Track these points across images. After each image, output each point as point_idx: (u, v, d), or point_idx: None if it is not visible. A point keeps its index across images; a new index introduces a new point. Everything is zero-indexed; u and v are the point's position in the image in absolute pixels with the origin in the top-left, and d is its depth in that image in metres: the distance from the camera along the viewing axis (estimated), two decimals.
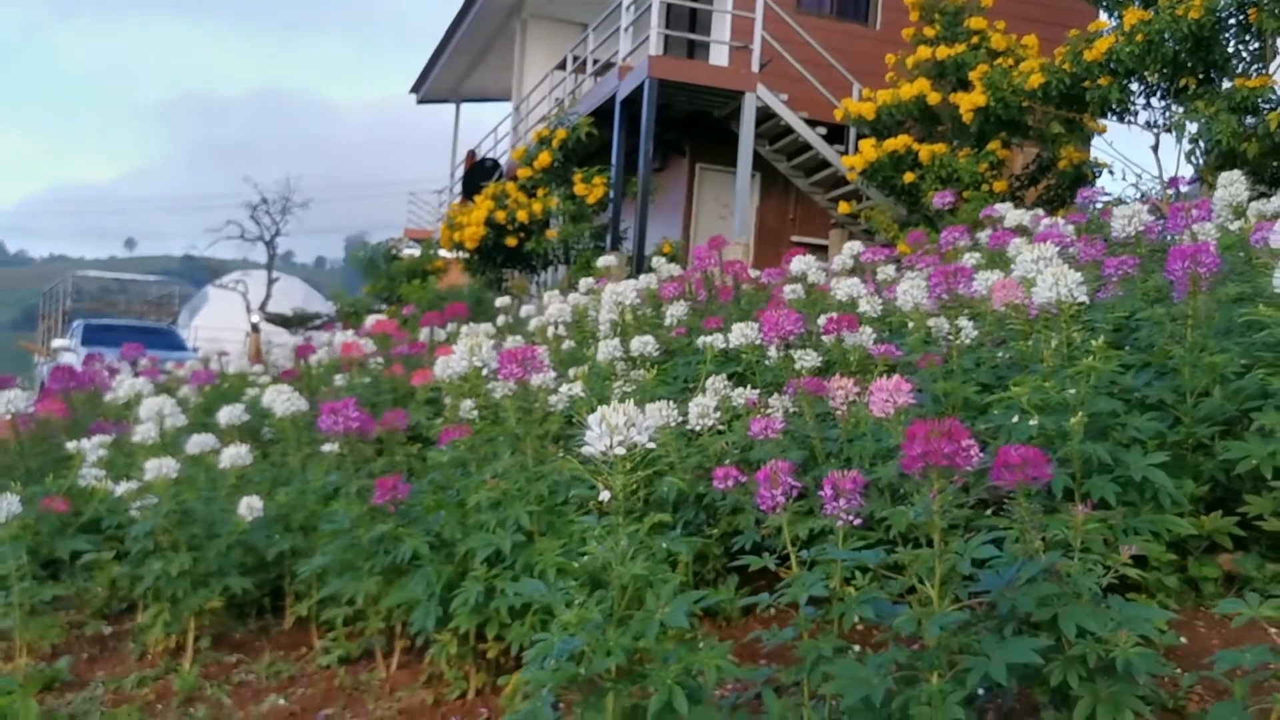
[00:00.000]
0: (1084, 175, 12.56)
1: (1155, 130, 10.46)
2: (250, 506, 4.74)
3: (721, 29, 15.62)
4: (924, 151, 12.49)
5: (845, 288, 5.82)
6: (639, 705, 2.86)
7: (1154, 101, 10.48)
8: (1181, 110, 10.06)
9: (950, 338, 4.61)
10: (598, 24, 16.62)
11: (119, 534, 5.14)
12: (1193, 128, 9.82)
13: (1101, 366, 3.64)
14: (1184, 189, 9.57)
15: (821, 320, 5.15)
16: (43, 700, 4.51)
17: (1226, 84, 10.01)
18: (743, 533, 3.92)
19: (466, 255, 15.95)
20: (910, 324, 4.93)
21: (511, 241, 14.65)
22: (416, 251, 22.00)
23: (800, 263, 6.46)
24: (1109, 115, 10.82)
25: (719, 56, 15.70)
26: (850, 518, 3.18)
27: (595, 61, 17.16)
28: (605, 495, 2.93)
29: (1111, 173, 13.74)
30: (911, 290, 4.68)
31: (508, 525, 3.86)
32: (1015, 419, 3.93)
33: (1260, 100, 9.67)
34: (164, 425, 5.15)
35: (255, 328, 22.19)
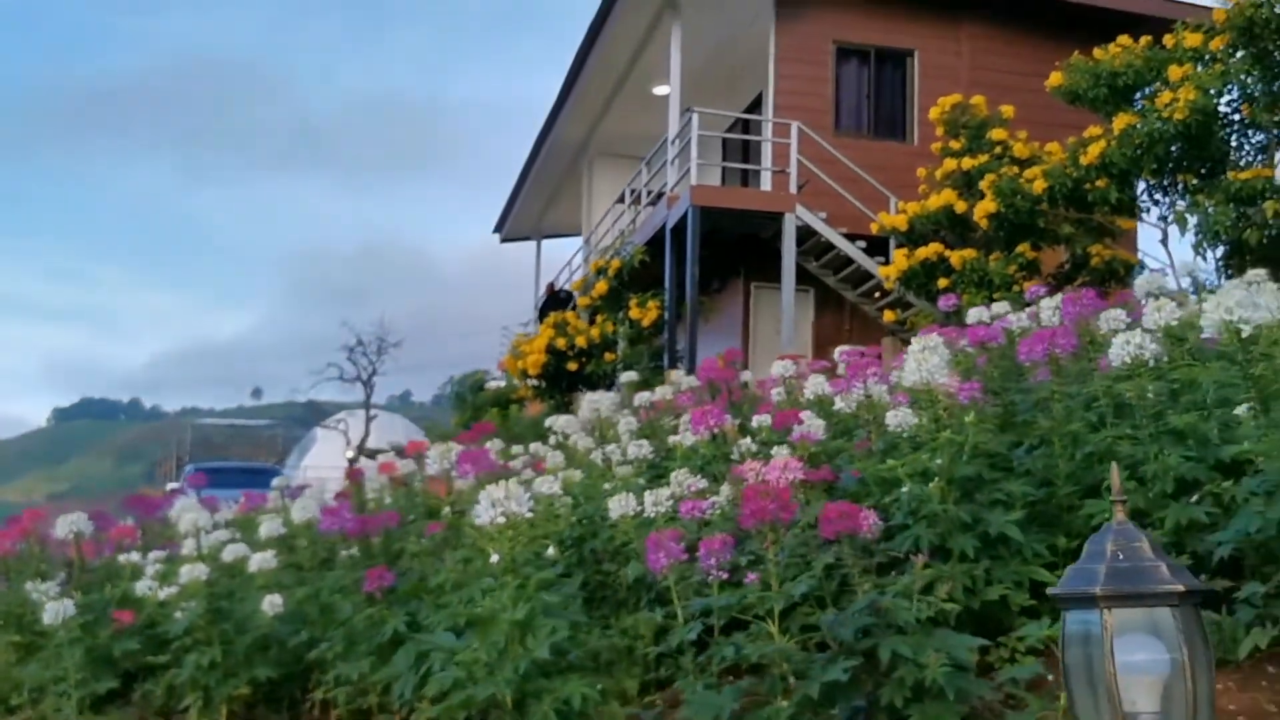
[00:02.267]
0: (1115, 271, 12.95)
1: (1162, 226, 10.90)
2: (272, 603, 5.47)
3: (765, 156, 16.52)
4: (954, 258, 13.05)
5: (811, 386, 6.41)
6: None
7: (1159, 197, 10.93)
8: (1184, 205, 10.51)
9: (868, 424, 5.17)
10: (649, 157, 17.68)
11: (169, 638, 5.91)
12: (1194, 220, 10.25)
13: (954, 437, 4.19)
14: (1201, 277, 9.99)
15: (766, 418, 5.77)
16: None
17: (1225, 176, 10.45)
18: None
19: (534, 382, 16.85)
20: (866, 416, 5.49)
21: (573, 366, 15.51)
22: (503, 383, 23.04)
23: (780, 367, 7.08)
24: (1117, 214, 11.29)
25: (766, 182, 16.56)
26: (719, 572, 3.79)
27: (649, 193, 18.18)
28: (495, 558, 3.56)
29: (1144, 267, 14.07)
30: (874, 384, 5.23)
31: (467, 603, 4.51)
32: (904, 489, 4.47)
33: (1258, 190, 10.07)
34: (202, 539, 5.95)
35: (351, 463, 23.35)
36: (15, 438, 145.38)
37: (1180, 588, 1.49)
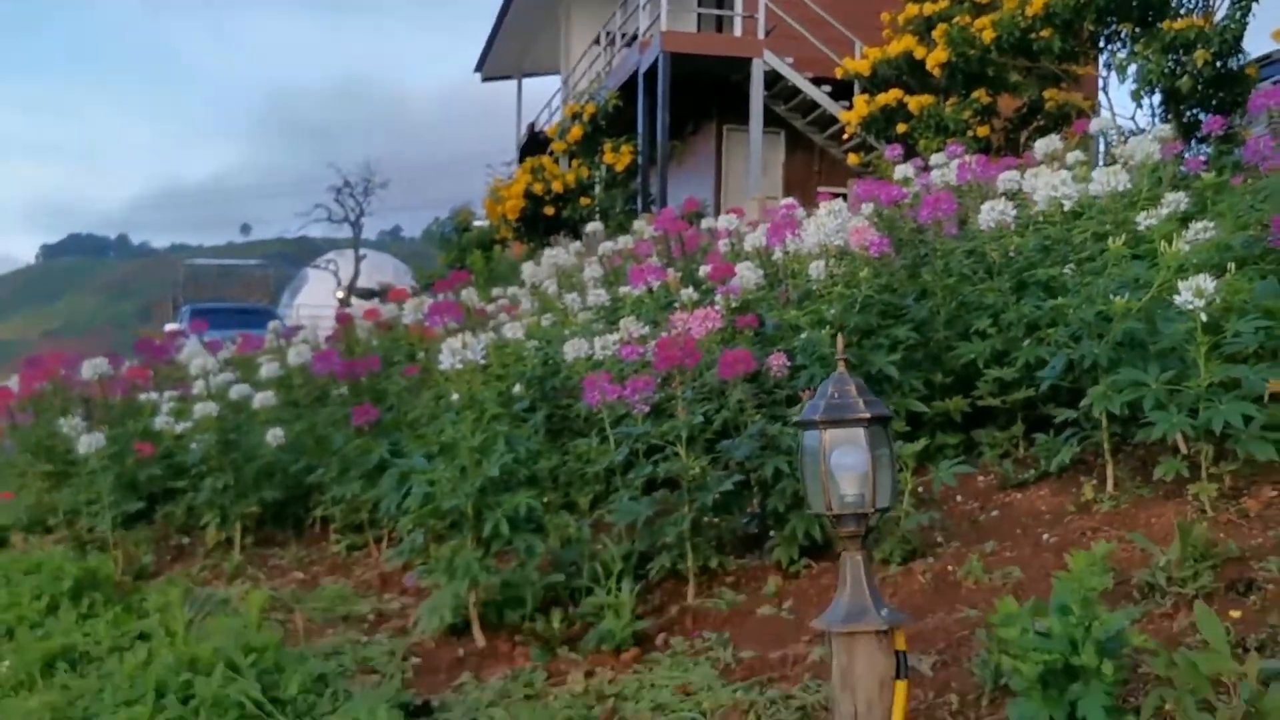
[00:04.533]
0: (1068, 115, 13.49)
1: (1103, 75, 11.44)
2: (274, 435, 6.34)
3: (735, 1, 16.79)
4: (913, 103, 13.57)
5: (751, 239, 7.14)
6: (485, 537, 4.31)
7: (1103, 45, 11.44)
8: (1124, 54, 11.03)
9: (790, 275, 5.93)
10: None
11: (186, 466, 6.80)
12: (1133, 69, 10.80)
13: (845, 291, 4.97)
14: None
15: (706, 269, 6.53)
16: (135, 584, 6.16)
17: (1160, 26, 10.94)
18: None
19: (514, 226, 17.51)
20: (794, 268, 6.23)
21: (550, 211, 16.16)
22: (487, 223, 23.61)
23: (725, 220, 7.81)
24: (1065, 62, 11.80)
25: (737, 27, 16.86)
26: (642, 406, 4.60)
27: (624, 36, 18.46)
28: (455, 396, 4.36)
29: (1097, 113, 14.59)
30: (791, 241, 5.95)
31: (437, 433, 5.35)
32: (804, 334, 5.26)
33: (1191, 39, 10.58)
34: (210, 381, 6.79)
35: (342, 304, 24.14)
36: (5, 275, 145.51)
37: (869, 415, 2.29)
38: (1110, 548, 2.80)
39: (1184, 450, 4.19)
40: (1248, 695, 2.16)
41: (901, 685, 2.23)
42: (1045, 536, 4.04)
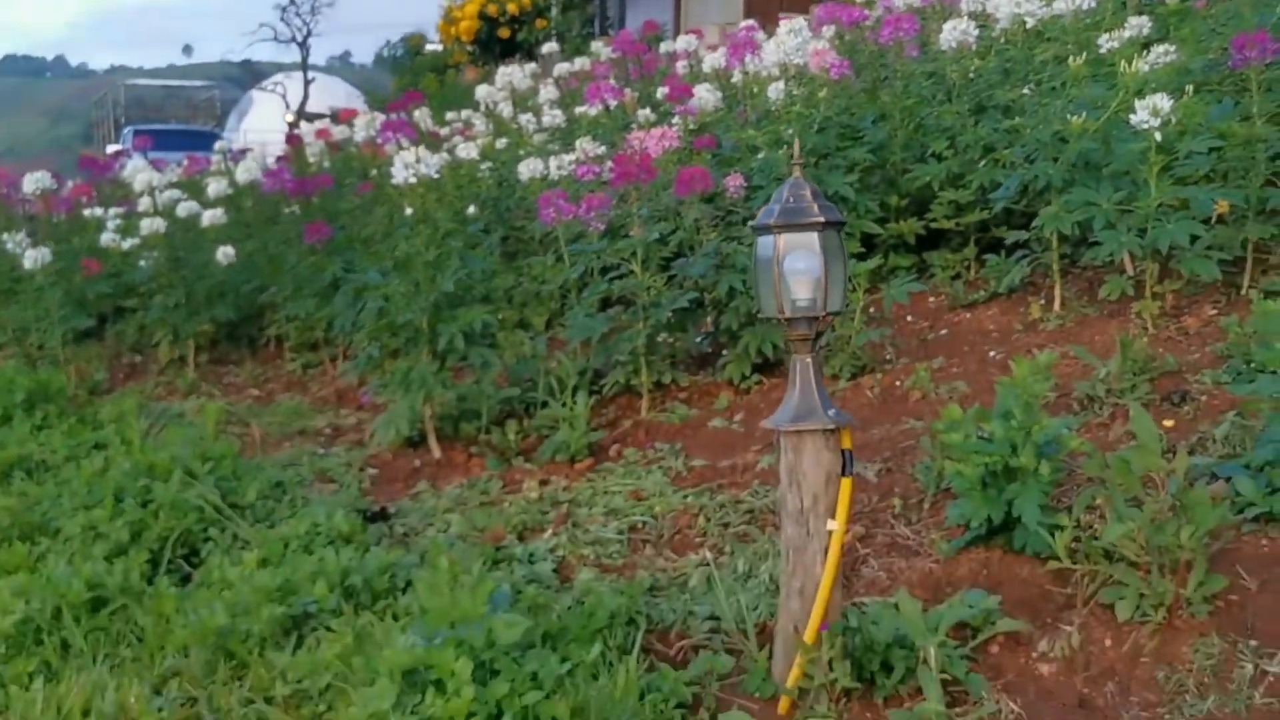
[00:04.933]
0: None
1: None
2: (225, 254, 6.26)
3: None
4: None
5: (710, 60, 7.00)
6: (440, 351, 4.34)
7: None
8: None
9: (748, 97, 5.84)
10: None
11: (135, 284, 6.72)
12: None
13: (804, 111, 4.91)
14: None
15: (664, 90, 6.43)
16: (89, 399, 6.16)
17: None
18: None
19: (468, 49, 17.03)
20: (753, 89, 6.12)
21: (505, 34, 15.71)
22: (440, 47, 22.94)
23: (684, 41, 7.65)
24: None
25: None
26: (598, 224, 4.58)
27: None
28: (409, 211, 4.32)
29: None
30: (751, 62, 5.82)
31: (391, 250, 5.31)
32: (762, 155, 5.23)
33: None
34: (156, 198, 6.66)
35: (292, 127, 23.52)
36: None
37: (823, 219, 2.30)
38: (1053, 358, 2.88)
39: (1129, 272, 4.26)
40: (1174, 490, 2.26)
41: (847, 481, 2.30)
42: (992, 353, 4.12)
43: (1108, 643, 2.35)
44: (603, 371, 4.66)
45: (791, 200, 2.31)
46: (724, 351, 4.69)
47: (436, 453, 4.45)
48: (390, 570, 2.97)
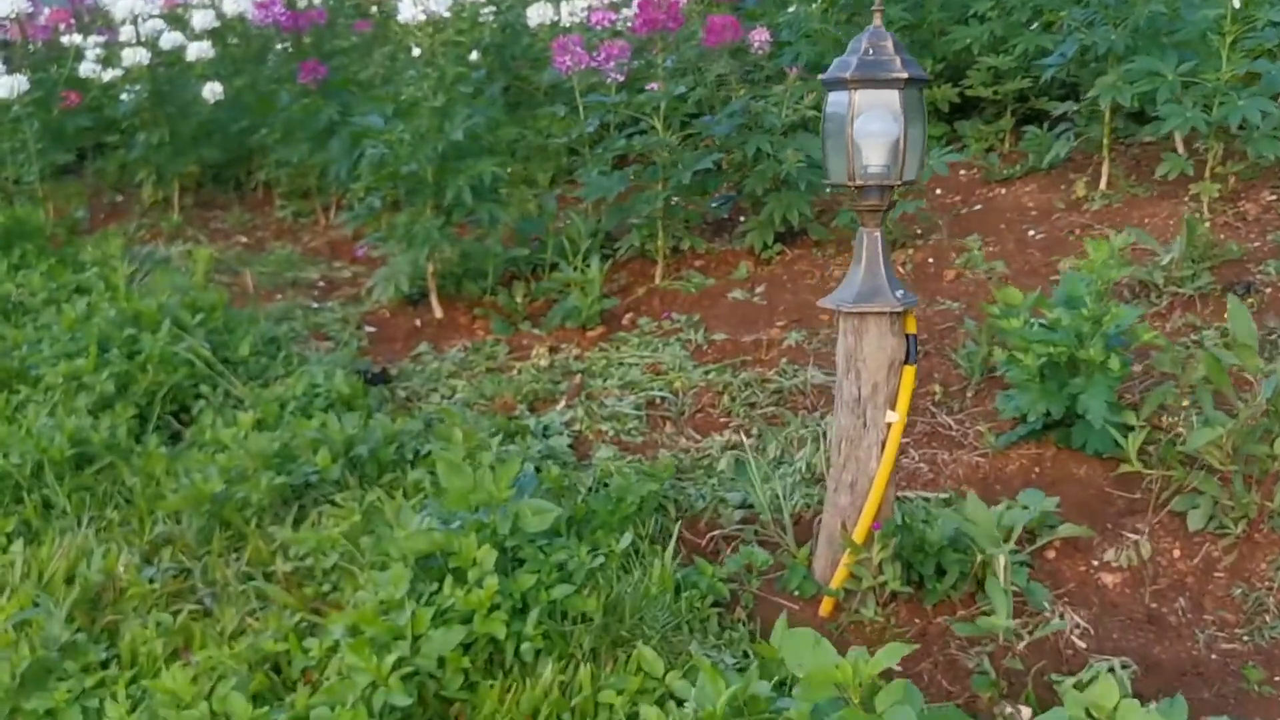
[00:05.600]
0: None
1: None
2: (212, 90, 5.89)
3: None
4: None
5: None
6: (446, 204, 4.06)
7: None
8: None
9: None
10: None
11: (117, 119, 6.35)
12: None
13: None
14: None
15: None
16: (69, 238, 5.86)
17: None
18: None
19: None
20: None
21: None
22: None
23: None
24: None
25: None
26: (617, 75, 4.27)
27: None
28: (416, 51, 3.99)
29: None
30: None
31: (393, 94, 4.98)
32: (791, 9, 4.89)
33: None
34: (140, 27, 6.24)
35: None
36: None
37: (906, 75, 2.03)
38: (1129, 240, 2.65)
39: (1180, 151, 4.02)
40: (1270, 392, 2.06)
41: (910, 370, 2.09)
42: (1031, 233, 3.89)
43: (1176, 553, 2.19)
44: (615, 234, 4.41)
45: (871, 52, 2.04)
46: (744, 218, 4.44)
47: (438, 312, 4.22)
48: (397, 440, 2.77)
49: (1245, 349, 2.04)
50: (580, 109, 4.41)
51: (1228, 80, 3.52)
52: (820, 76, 2.12)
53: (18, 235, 4.72)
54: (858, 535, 2.11)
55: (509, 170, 4.50)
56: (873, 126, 2.05)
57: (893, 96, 2.03)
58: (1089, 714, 1.50)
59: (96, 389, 3.13)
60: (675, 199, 4.16)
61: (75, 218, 6.04)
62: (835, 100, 2.08)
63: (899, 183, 2.06)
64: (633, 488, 2.31)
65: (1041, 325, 2.53)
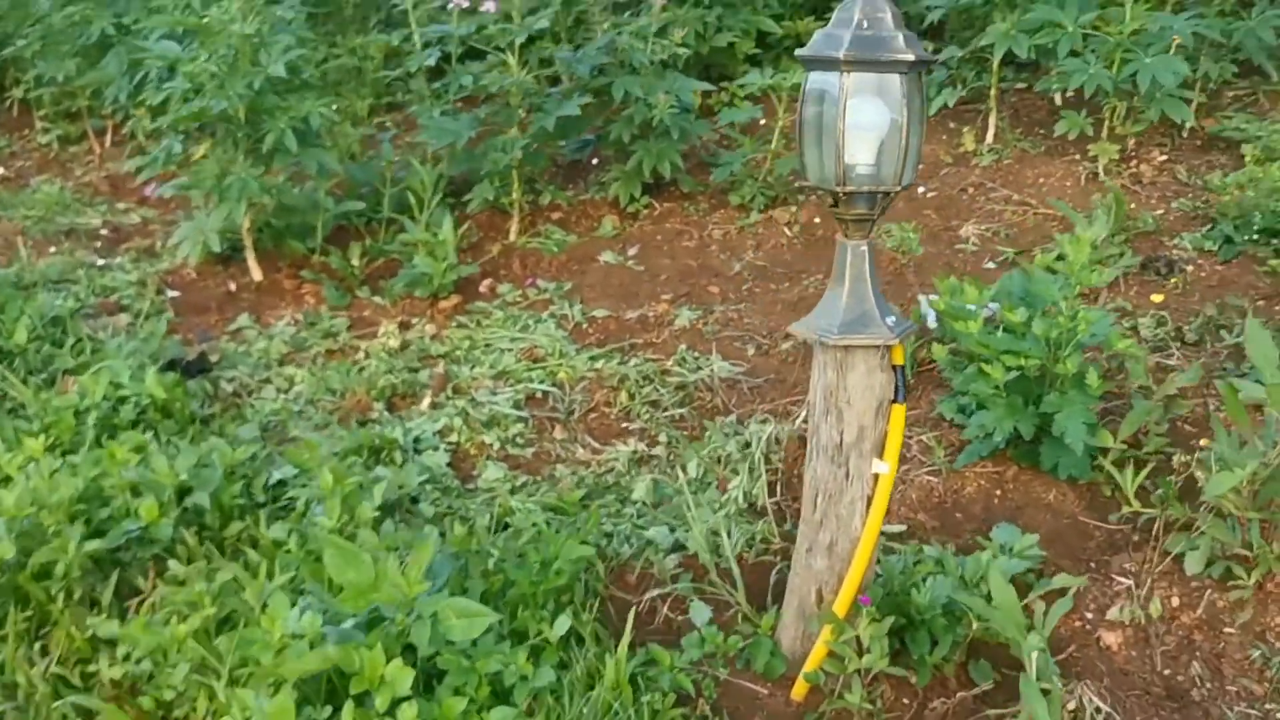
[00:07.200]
0: None
1: None
2: None
3: None
4: None
5: None
6: (260, 144, 3.43)
7: None
8: None
9: None
10: None
11: None
12: None
13: None
14: None
15: None
16: None
17: None
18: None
19: None
20: None
21: None
22: None
23: None
24: None
25: None
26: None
27: None
28: None
29: None
30: None
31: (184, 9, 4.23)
32: None
33: None
34: None
35: None
36: None
37: (911, 57, 1.66)
38: (1096, 236, 2.37)
39: (1060, 103, 3.82)
40: None
41: (900, 410, 1.75)
42: (921, 190, 3.61)
43: (1176, 602, 1.95)
44: (459, 182, 3.89)
45: (866, 25, 1.64)
46: (604, 165, 4.00)
47: (256, 274, 3.61)
48: (240, 474, 2.24)
49: (1276, 389, 1.77)
50: (415, 37, 3.83)
51: (1130, 35, 3.29)
52: (799, 53, 1.70)
53: None
54: (839, 608, 1.77)
55: (335, 108, 3.89)
56: (867, 118, 1.66)
57: (894, 82, 1.65)
58: None
59: None
60: (535, 146, 3.66)
61: None
62: (820, 82, 1.68)
63: (897, 189, 1.69)
64: (562, 551, 1.88)
65: (1006, 332, 2.23)
